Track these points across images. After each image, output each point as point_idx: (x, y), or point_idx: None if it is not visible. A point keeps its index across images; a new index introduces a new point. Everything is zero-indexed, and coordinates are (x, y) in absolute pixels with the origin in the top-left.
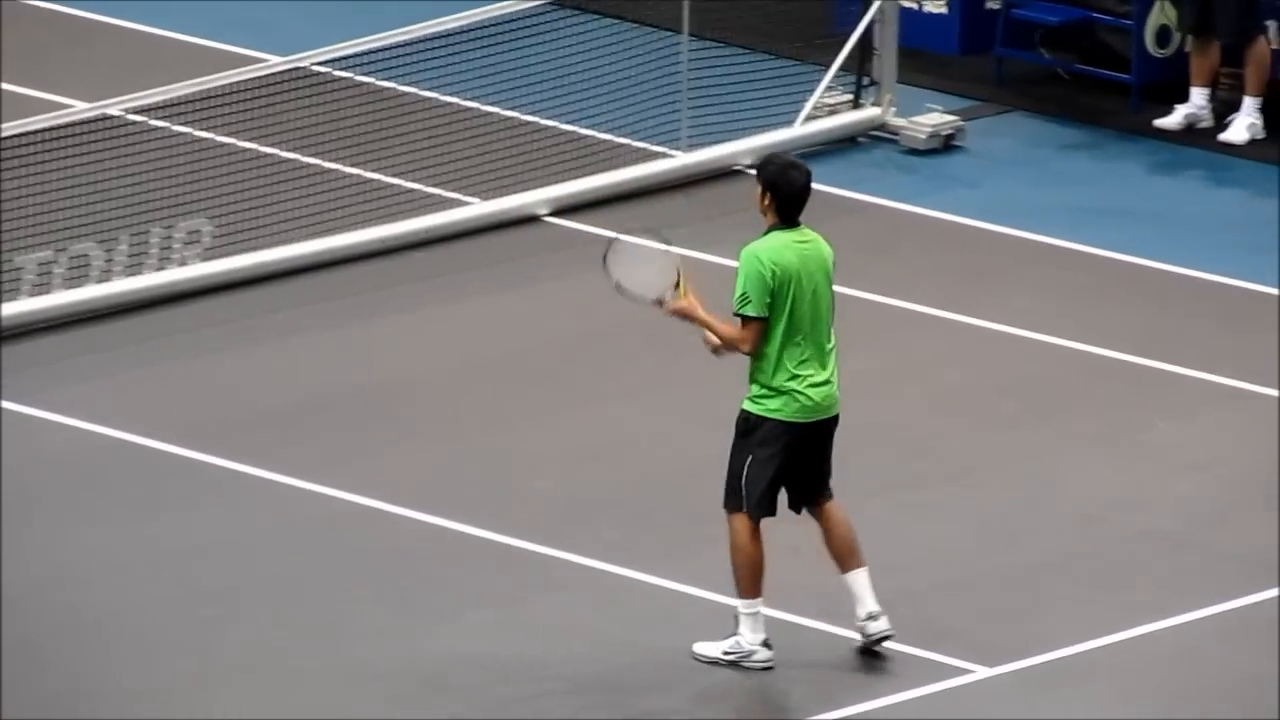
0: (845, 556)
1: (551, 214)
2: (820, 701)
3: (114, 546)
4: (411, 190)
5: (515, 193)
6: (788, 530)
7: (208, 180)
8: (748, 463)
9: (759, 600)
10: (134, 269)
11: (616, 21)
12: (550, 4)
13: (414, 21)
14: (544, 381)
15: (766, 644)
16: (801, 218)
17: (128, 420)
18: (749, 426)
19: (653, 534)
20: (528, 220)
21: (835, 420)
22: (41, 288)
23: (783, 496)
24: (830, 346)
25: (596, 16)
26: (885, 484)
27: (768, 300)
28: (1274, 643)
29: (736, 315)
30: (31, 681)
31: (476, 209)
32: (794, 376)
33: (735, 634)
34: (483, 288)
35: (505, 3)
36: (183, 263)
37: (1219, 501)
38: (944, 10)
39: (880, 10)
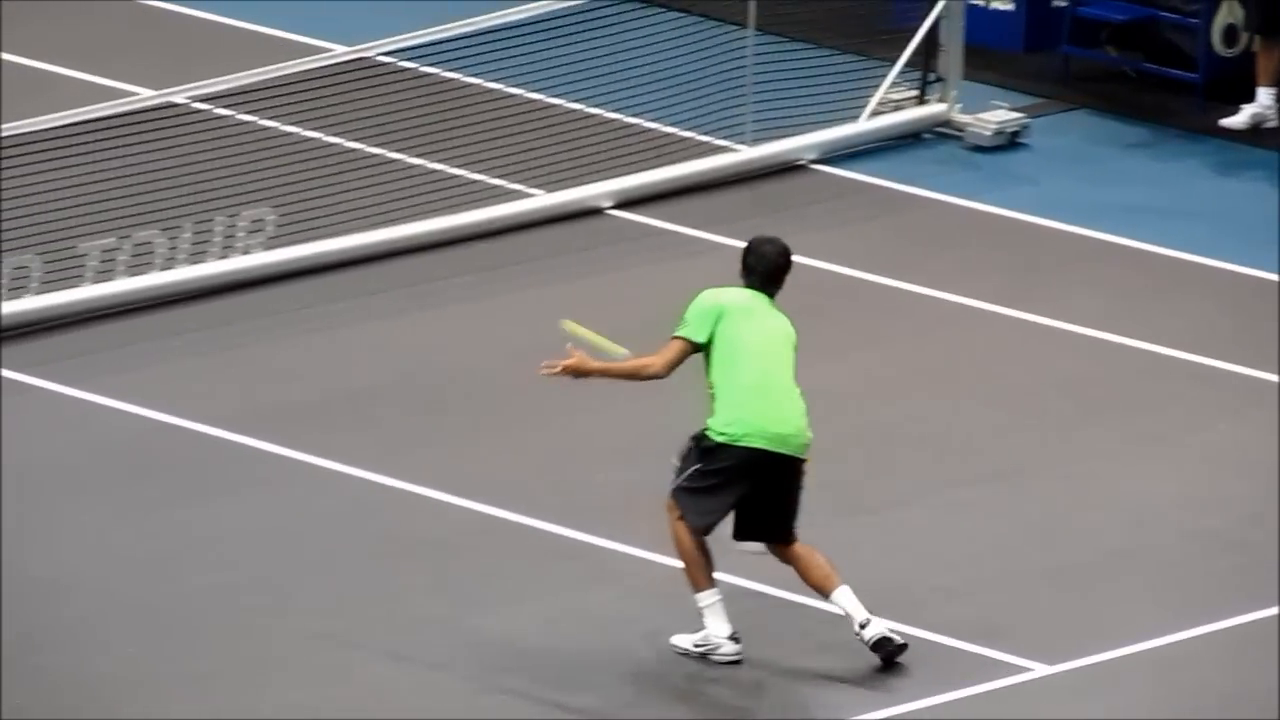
0: (823, 585)
1: (614, 206)
2: (880, 698)
3: (165, 532)
4: (474, 181)
5: (579, 185)
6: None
7: (271, 169)
8: (691, 470)
9: (713, 591)
10: (197, 257)
11: (682, 15)
12: None
13: (479, 14)
14: None
15: (734, 638)
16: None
17: (185, 406)
18: (705, 443)
19: None
20: (591, 213)
21: (799, 463)
22: (105, 275)
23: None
24: (792, 396)
25: (662, 10)
26: (939, 481)
27: (709, 329)
28: None
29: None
30: (81, 664)
31: (539, 201)
32: (747, 407)
33: (704, 627)
34: (544, 280)
35: None
36: (245, 251)
37: (1273, 502)
38: (1010, 7)
39: (946, 7)
